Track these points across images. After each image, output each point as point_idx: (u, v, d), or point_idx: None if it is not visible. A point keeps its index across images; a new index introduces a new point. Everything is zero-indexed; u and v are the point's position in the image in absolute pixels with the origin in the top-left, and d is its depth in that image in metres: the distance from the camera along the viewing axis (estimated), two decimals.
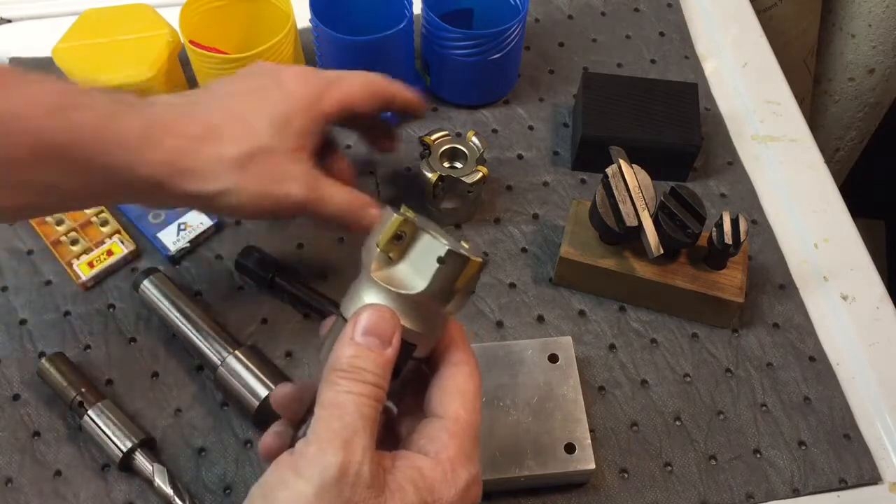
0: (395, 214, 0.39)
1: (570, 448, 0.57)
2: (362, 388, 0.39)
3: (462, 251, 0.39)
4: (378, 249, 0.39)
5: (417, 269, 0.39)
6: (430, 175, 0.66)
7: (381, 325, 0.40)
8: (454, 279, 0.39)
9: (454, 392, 0.42)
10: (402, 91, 0.62)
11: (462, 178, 0.66)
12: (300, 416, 0.43)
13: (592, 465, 0.57)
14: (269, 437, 0.44)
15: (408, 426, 0.43)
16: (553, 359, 0.61)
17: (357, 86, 0.59)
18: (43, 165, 0.48)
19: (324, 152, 0.60)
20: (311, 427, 0.39)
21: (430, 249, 0.39)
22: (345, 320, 0.41)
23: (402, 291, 0.39)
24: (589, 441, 0.58)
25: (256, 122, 0.53)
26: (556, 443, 0.57)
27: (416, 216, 0.41)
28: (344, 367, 0.39)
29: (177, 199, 0.53)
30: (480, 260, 0.40)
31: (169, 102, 0.54)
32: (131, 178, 0.50)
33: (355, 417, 0.38)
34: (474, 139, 0.68)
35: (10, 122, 0.46)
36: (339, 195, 0.56)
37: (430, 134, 0.68)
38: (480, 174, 0.67)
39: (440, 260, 0.38)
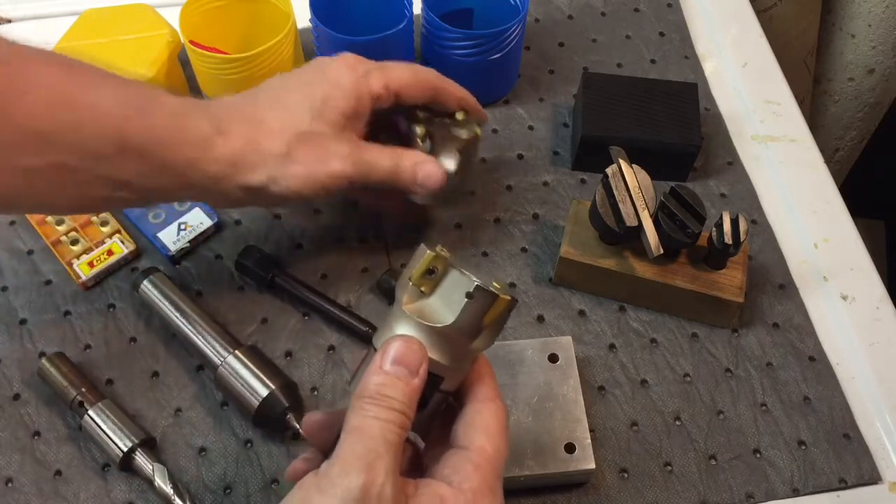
0: (427, 250, 0.41)
1: (570, 448, 0.57)
2: (388, 413, 0.40)
3: (492, 289, 0.40)
4: (410, 283, 0.41)
5: (447, 304, 0.41)
6: (417, 129, 0.62)
7: (408, 356, 0.41)
8: (482, 315, 0.40)
9: (480, 426, 0.42)
10: (454, 87, 0.63)
11: (455, 132, 0.63)
12: (330, 444, 0.43)
13: (592, 465, 0.57)
14: (298, 463, 0.45)
15: (432, 460, 0.43)
16: (553, 358, 0.61)
17: (406, 73, 0.60)
18: (124, 161, 0.51)
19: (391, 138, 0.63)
20: (336, 450, 0.39)
21: (459, 285, 0.40)
22: (376, 351, 0.42)
23: (431, 324, 0.41)
24: (589, 441, 0.58)
25: (298, 110, 0.56)
26: (556, 443, 0.57)
27: (450, 255, 0.42)
28: (371, 393, 0.40)
29: (233, 194, 0.55)
30: (509, 298, 0.41)
31: (230, 101, 0.57)
32: (197, 175, 0.53)
33: (379, 442, 0.39)
34: (462, 115, 0.64)
35: (100, 119, 0.50)
36: (384, 159, 0.58)
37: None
38: (474, 133, 0.63)
39: (469, 295, 0.40)
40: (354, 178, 0.57)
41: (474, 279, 0.40)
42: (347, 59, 0.60)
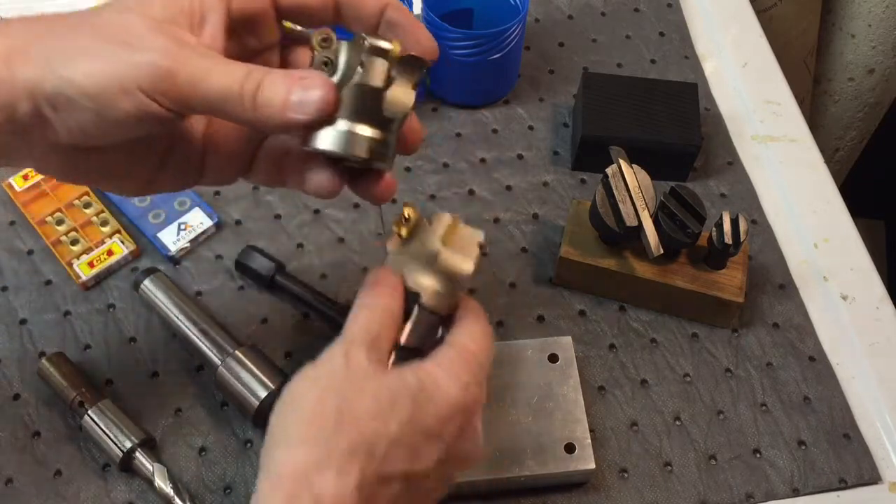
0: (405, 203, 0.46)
1: (569, 448, 0.57)
2: (370, 312, 0.44)
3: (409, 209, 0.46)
4: (392, 229, 0.46)
5: (416, 240, 0.46)
6: (315, 36, 0.41)
7: (376, 276, 0.45)
8: (429, 233, 0.45)
9: (463, 333, 0.45)
10: None
11: (371, 41, 0.40)
12: None
13: (592, 465, 0.57)
14: None
15: None
16: (553, 359, 0.61)
17: None
18: None
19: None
20: None
21: (422, 224, 0.46)
22: None
23: (397, 249, 0.47)
24: (589, 441, 0.58)
25: (106, 8, 0.41)
26: (556, 443, 0.57)
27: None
28: (356, 305, 0.45)
29: (21, 114, 0.39)
30: (409, 207, 0.46)
31: None
32: None
33: (357, 329, 0.43)
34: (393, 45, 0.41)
35: None
36: (230, 68, 0.39)
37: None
38: (391, 46, 0.40)
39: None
40: (171, 86, 0.38)
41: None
42: None
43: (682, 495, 0.59)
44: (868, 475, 0.61)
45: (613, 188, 0.62)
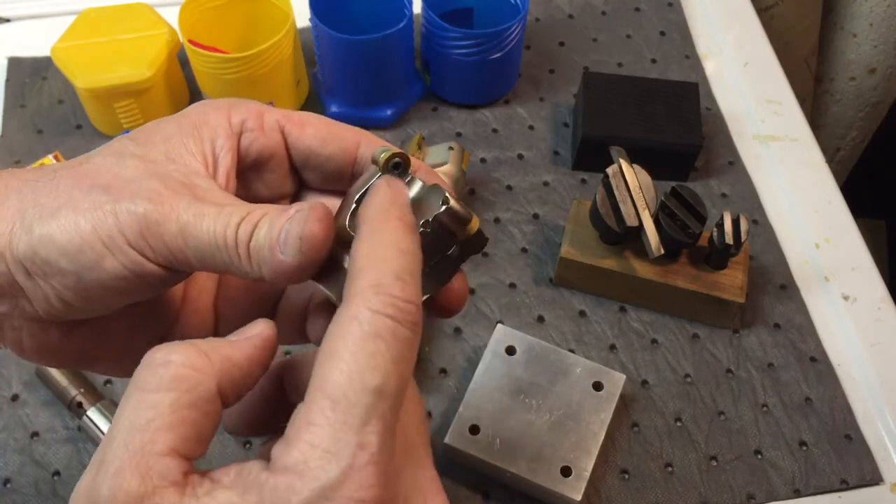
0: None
1: (566, 471, 0.57)
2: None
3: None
4: None
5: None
6: (381, 153, 0.32)
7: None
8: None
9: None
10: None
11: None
12: None
13: (578, 497, 0.56)
14: None
15: None
16: (597, 386, 0.60)
17: (312, 115, 0.36)
18: None
19: None
20: None
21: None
22: None
23: None
24: (587, 475, 0.56)
25: (101, 150, 0.34)
26: (555, 460, 0.57)
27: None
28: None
29: (5, 283, 0.32)
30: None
31: None
32: None
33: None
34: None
35: None
36: (224, 210, 0.31)
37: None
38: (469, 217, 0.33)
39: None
40: (163, 237, 0.31)
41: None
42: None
43: (682, 496, 0.59)
44: (869, 476, 0.60)
45: (614, 188, 0.62)
